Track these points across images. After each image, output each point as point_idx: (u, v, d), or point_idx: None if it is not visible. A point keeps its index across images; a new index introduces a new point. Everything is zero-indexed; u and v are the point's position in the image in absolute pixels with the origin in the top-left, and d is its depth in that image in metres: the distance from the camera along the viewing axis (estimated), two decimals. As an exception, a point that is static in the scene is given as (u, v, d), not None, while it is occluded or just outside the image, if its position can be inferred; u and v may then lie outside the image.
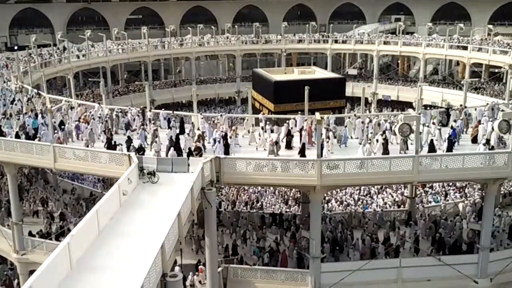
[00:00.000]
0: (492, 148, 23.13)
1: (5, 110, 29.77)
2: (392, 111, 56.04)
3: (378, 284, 24.04)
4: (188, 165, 21.42)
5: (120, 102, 52.25)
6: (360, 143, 25.05)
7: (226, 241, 27.51)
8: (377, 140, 24.04)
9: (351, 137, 26.63)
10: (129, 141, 24.40)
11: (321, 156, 21.83)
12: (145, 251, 14.68)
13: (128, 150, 23.27)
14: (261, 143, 25.66)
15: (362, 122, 26.88)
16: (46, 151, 23.95)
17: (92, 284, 13.59)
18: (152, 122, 28.33)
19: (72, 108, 30.92)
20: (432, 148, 23.60)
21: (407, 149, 23.88)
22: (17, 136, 25.86)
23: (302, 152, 23.78)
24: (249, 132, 26.93)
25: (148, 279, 13.35)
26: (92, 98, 52.36)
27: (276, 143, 24.03)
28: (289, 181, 22.67)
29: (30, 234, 28.69)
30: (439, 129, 25.64)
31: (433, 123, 26.99)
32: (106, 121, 27.63)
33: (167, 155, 23.17)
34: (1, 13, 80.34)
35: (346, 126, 26.75)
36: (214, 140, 24.21)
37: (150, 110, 30.44)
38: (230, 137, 24.77)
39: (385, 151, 23.38)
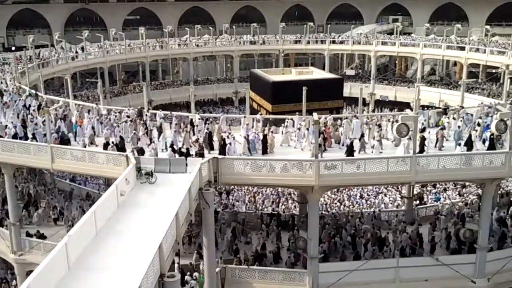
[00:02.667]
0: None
1: (23, 115, 28.72)
2: (390, 111, 56.07)
3: (376, 284, 24.07)
4: (186, 165, 21.42)
5: (118, 103, 52.21)
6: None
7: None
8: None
9: (349, 138, 26.60)
10: (122, 141, 24.38)
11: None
12: (143, 251, 14.66)
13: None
14: (307, 145, 25.38)
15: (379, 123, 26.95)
16: (44, 151, 23.91)
17: (89, 284, 13.55)
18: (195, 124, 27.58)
19: (89, 111, 30.10)
20: (470, 145, 23.60)
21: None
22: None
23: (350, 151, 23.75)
24: (282, 133, 26.78)
25: (146, 279, 13.33)
26: (87, 98, 52.23)
27: (320, 145, 23.80)
28: (287, 181, 22.71)
29: (28, 234, 28.66)
30: (476, 130, 25.53)
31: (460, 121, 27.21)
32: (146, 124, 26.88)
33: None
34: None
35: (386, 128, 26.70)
36: (248, 140, 24.35)
37: (147, 111, 30.41)
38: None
39: (421, 148, 23.38)
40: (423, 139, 23.61)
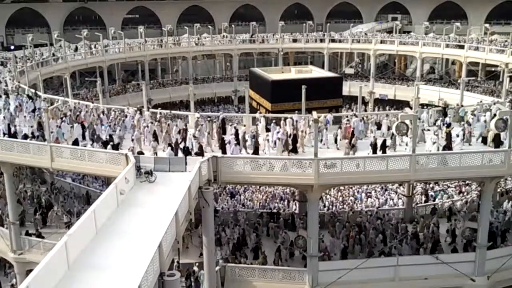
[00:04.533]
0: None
1: (39, 117, 27.87)
2: (389, 110, 56.08)
3: (375, 283, 24.06)
4: (186, 164, 21.41)
5: (117, 102, 52.16)
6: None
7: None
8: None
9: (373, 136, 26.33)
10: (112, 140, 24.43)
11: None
12: (142, 250, 14.66)
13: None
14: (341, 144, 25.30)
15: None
16: (43, 150, 23.89)
17: (89, 283, 13.56)
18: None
19: (103, 112, 29.64)
20: (498, 141, 23.57)
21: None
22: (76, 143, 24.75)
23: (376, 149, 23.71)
24: (305, 133, 26.60)
25: (145, 279, 13.32)
26: (82, 98, 52.03)
27: (353, 146, 23.76)
28: (287, 180, 22.70)
29: (27, 233, 28.64)
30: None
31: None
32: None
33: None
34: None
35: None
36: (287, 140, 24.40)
37: (147, 110, 30.39)
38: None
39: (449, 144, 23.46)
40: (449, 135, 23.63)
